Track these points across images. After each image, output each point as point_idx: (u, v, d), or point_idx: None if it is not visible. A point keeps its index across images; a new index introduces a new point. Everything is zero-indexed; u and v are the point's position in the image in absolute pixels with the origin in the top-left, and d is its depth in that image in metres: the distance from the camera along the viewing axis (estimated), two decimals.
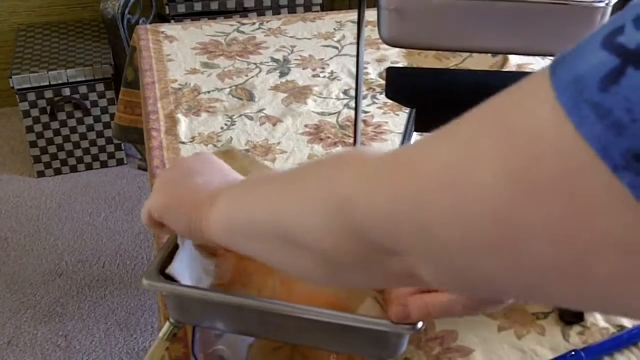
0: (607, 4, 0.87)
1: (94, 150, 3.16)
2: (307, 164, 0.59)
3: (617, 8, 0.87)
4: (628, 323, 1.00)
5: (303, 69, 1.78)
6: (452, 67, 1.75)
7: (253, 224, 0.61)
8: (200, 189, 0.71)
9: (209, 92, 1.66)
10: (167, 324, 0.81)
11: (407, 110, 1.10)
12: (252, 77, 1.74)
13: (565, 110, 0.35)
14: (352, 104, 1.59)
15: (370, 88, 1.67)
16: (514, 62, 1.75)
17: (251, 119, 1.55)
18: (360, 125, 1.11)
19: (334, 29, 2.01)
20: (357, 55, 1.02)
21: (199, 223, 0.68)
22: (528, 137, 0.37)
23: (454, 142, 0.43)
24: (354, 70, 1.74)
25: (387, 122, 1.53)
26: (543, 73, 0.38)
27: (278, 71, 1.76)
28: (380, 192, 0.46)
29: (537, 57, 1.76)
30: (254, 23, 2.05)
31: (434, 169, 0.43)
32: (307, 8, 3.16)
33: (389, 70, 1.12)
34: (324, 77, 1.73)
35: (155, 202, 0.74)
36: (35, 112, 3.00)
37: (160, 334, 0.80)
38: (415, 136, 1.10)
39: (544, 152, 0.36)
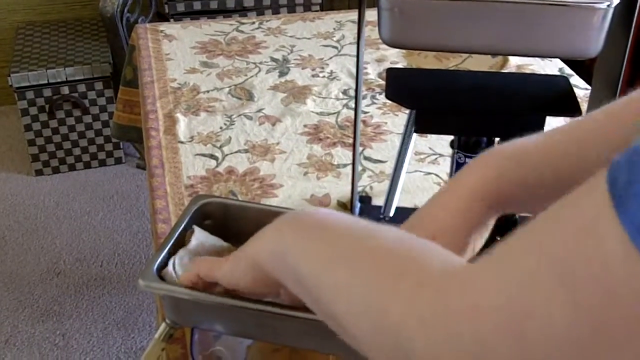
0: (608, 6, 0.86)
1: (92, 149, 3.15)
2: (368, 235, 0.56)
3: (619, 10, 0.87)
4: None
5: (302, 68, 1.77)
6: (452, 68, 1.75)
7: (301, 274, 0.59)
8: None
9: (208, 91, 1.66)
10: (163, 324, 0.81)
11: (407, 110, 1.10)
12: (252, 76, 1.73)
13: None
14: (352, 104, 1.59)
15: (370, 88, 1.67)
16: (514, 63, 1.74)
17: (250, 118, 1.55)
18: (360, 125, 1.11)
19: (334, 28, 2.00)
20: (358, 56, 1.02)
21: (252, 257, 0.67)
22: (597, 279, 0.36)
23: (514, 276, 0.41)
24: (353, 70, 1.73)
25: (386, 123, 1.53)
26: (604, 200, 0.37)
27: (277, 71, 1.76)
28: (439, 332, 0.45)
29: (537, 58, 1.75)
30: (253, 22, 2.05)
31: (494, 306, 0.41)
32: (307, 7, 3.16)
33: (389, 71, 1.11)
34: (324, 77, 1.73)
35: (223, 271, 0.72)
36: (33, 111, 3.00)
37: (157, 335, 0.80)
38: (415, 137, 1.10)
39: (618, 294, 0.36)
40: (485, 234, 0.76)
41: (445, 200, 0.75)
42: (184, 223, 0.89)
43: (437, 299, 0.46)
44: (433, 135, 1.45)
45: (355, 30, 1.03)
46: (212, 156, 1.41)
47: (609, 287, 0.36)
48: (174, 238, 0.85)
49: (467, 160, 1.06)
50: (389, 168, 1.35)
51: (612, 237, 0.36)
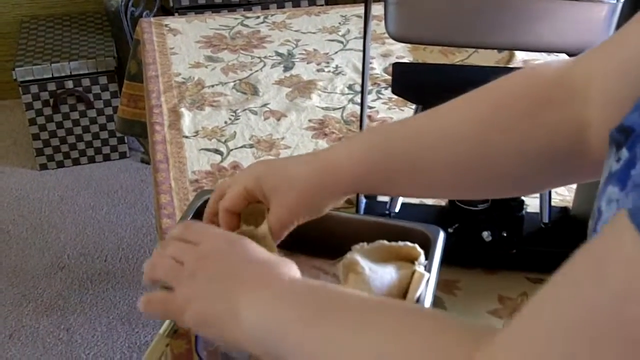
0: (617, 1, 0.85)
1: (96, 143, 3.15)
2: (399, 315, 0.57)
3: (627, 6, 0.86)
4: None
5: (307, 63, 1.77)
6: (457, 63, 1.74)
7: None
8: (220, 295, 0.66)
9: (212, 86, 1.65)
10: (168, 320, 0.81)
11: (413, 105, 1.09)
12: (257, 71, 1.73)
13: None
14: (357, 99, 1.58)
15: (376, 83, 1.66)
16: (520, 58, 1.73)
17: (255, 113, 1.54)
18: (366, 120, 1.10)
19: (339, 23, 2.00)
20: (364, 50, 1.01)
21: (229, 333, 0.65)
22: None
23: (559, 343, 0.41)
24: (358, 64, 1.73)
25: (392, 118, 1.52)
26: (635, 243, 0.37)
27: (282, 65, 1.75)
28: None
29: (543, 54, 1.74)
30: (258, 17, 2.04)
31: None
32: (312, 1, 3.15)
33: (395, 66, 1.11)
34: (329, 71, 1.72)
35: (184, 323, 0.69)
36: (38, 105, 2.99)
37: (161, 330, 0.79)
38: None
39: None
40: (321, 213, 0.80)
41: (302, 166, 0.78)
42: (189, 218, 0.88)
43: None
44: None
45: (361, 25, 1.03)
46: (216, 151, 1.41)
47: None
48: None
49: None
50: None
51: None
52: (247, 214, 0.82)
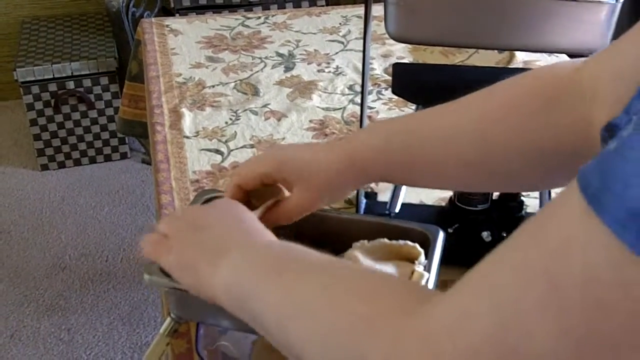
0: (616, 1, 0.86)
1: (97, 143, 3.15)
2: (339, 277, 0.58)
3: (626, 5, 0.87)
4: None
5: (308, 63, 1.77)
6: (458, 63, 1.74)
7: (261, 320, 0.60)
8: (209, 241, 0.69)
9: (213, 86, 1.66)
10: (168, 319, 0.81)
11: (413, 106, 1.09)
12: (257, 71, 1.73)
13: (632, 248, 0.35)
14: (358, 99, 1.58)
15: (376, 83, 1.66)
16: (521, 58, 1.74)
17: (256, 113, 1.55)
18: (366, 121, 1.10)
19: (340, 23, 2.00)
20: (364, 51, 1.01)
21: (204, 279, 0.67)
22: (583, 290, 0.37)
23: (498, 295, 0.42)
24: (359, 65, 1.73)
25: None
26: (580, 208, 0.37)
27: (283, 66, 1.76)
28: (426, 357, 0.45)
29: (544, 54, 1.75)
30: (259, 17, 2.04)
31: (481, 325, 0.42)
32: (313, 2, 3.15)
33: (396, 66, 1.11)
34: (329, 72, 1.73)
35: (167, 262, 0.72)
36: (39, 105, 3.00)
37: (161, 330, 0.80)
38: None
39: (605, 301, 0.36)
40: (342, 197, 0.84)
41: (324, 152, 0.80)
42: None
43: (421, 326, 0.46)
44: None
45: (361, 25, 1.03)
46: (217, 151, 1.41)
47: (595, 297, 0.36)
48: None
49: None
50: None
51: (595, 242, 0.36)
52: (256, 196, 0.83)
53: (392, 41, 0.99)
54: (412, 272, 0.81)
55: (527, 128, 0.69)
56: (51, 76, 2.96)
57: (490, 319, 0.41)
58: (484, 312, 0.42)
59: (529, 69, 1.65)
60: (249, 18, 2.04)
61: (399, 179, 0.87)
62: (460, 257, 1.07)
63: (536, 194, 1.15)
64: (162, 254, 0.72)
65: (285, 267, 0.62)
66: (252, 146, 1.43)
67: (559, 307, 0.37)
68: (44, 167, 3.13)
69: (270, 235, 0.71)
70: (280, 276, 0.61)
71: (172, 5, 3.03)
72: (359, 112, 1.09)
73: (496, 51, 1.75)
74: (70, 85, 3.00)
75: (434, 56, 1.78)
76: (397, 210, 1.11)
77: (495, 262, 0.44)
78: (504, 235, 1.05)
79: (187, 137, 1.45)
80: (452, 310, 0.44)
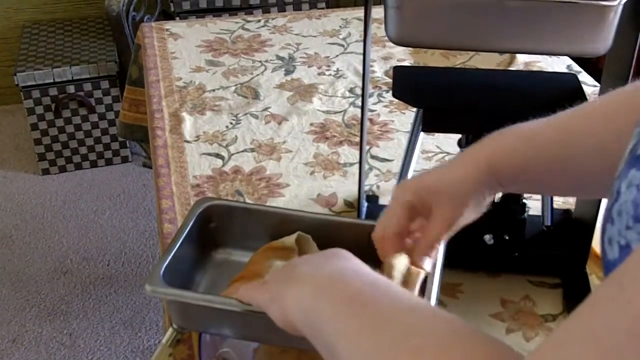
0: (618, 3, 0.85)
1: (98, 148, 3.15)
2: (426, 329, 0.54)
3: (628, 7, 0.86)
4: None
5: (308, 67, 1.76)
6: (459, 65, 1.74)
7: (337, 355, 0.58)
8: (295, 278, 0.68)
9: (213, 90, 1.65)
10: (170, 330, 0.81)
11: (414, 108, 1.09)
12: (258, 75, 1.73)
13: None
14: (358, 102, 1.58)
15: (377, 86, 1.66)
16: (522, 60, 1.73)
17: (256, 117, 1.54)
18: (367, 124, 1.10)
19: (340, 26, 2.00)
20: (364, 53, 1.01)
21: (284, 307, 0.66)
22: None
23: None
24: (359, 68, 1.73)
25: (393, 121, 1.52)
26: None
27: (283, 69, 1.75)
28: None
29: (545, 56, 1.74)
30: (259, 20, 2.04)
31: None
32: (313, 5, 3.15)
33: (396, 69, 1.10)
34: (330, 75, 1.72)
35: (262, 300, 0.71)
36: (40, 110, 2.99)
37: (164, 340, 0.79)
38: (422, 136, 1.09)
39: None
40: (481, 209, 0.80)
41: (456, 166, 0.78)
42: (189, 225, 0.88)
43: None
44: (440, 134, 1.44)
45: (362, 28, 1.02)
46: (218, 155, 1.40)
47: None
48: (180, 241, 0.85)
49: None
50: (396, 167, 1.34)
51: None
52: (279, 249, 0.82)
53: (392, 44, 0.98)
54: (409, 270, 0.80)
55: None
56: (52, 80, 2.96)
57: None
58: None
59: (530, 70, 1.65)
60: (249, 21, 2.04)
61: (533, 187, 0.85)
62: (463, 261, 1.07)
63: (538, 196, 1.15)
64: (258, 295, 0.71)
65: (364, 306, 0.59)
66: (252, 150, 1.42)
67: None
68: (45, 172, 3.13)
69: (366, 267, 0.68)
70: (356, 315, 0.58)
71: (172, 9, 3.03)
72: (359, 115, 1.08)
73: (497, 53, 1.74)
74: (71, 89, 2.99)
75: (435, 58, 1.77)
76: None
77: (574, 331, 0.41)
78: (506, 238, 1.05)
79: (188, 142, 1.45)
80: None
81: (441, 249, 0.85)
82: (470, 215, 0.80)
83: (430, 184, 0.79)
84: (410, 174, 1.11)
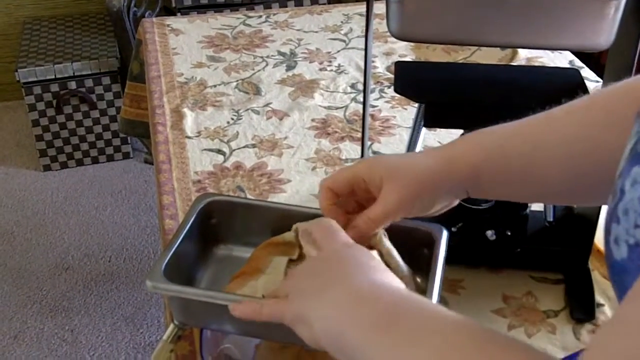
0: None
1: (100, 144, 3.15)
2: (455, 345, 0.53)
3: (631, 3, 0.86)
4: None
5: (310, 62, 1.76)
6: (460, 61, 1.74)
7: None
8: (315, 291, 0.66)
9: (215, 86, 1.65)
10: (172, 326, 0.80)
11: (416, 104, 1.08)
12: (259, 70, 1.72)
13: None
14: (360, 98, 1.58)
15: (378, 82, 1.66)
16: (524, 55, 1.73)
17: (258, 113, 1.54)
18: (368, 119, 1.10)
19: (342, 21, 1.99)
20: (366, 49, 1.01)
21: (310, 323, 0.64)
22: None
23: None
24: (361, 63, 1.72)
25: (395, 117, 1.52)
26: None
27: (285, 65, 1.75)
28: None
29: (547, 51, 1.74)
30: (260, 16, 2.04)
31: None
32: (314, 1, 3.14)
33: (398, 64, 1.10)
34: (331, 70, 1.72)
35: (288, 317, 0.68)
36: (41, 106, 2.99)
37: (165, 337, 0.79)
38: (424, 131, 1.09)
39: None
40: (429, 211, 0.78)
41: (423, 156, 0.78)
42: (190, 221, 0.88)
43: None
44: (442, 129, 1.43)
45: (363, 23, 1.02)
46: (219, 151, 1.40)
47: None
48: (181, 237, 0.85)
49: None
50: None
51: None
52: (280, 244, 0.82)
53: (394, 39, 0.98)
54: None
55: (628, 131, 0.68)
56: (53, 76, 2.96)
57: None
58: None
59: (532, 65, 1.65)
60: (250, 17, 2.03)
61: (496, 191, 0.82)
62: (465, 256, 1.07)
63: None
64: (283, 311, 0.68)
65: (395, 323, 0.58)
66: (254, 146, 1.42)
67: None
68: (47, 168, 3.13)
69: (387, 277, 0.67)
70: (389, 332, 0.57)
71: (173, 4, 3.03)
72: (361, 111, 1.08)
73: (499, 48, 1.74)
74: (72, 85, 2.99)
75: (437, 54, 1.77)
76: None
77: (605, 347, 0.41)
78: (508, 233, 1.04)
79: (189, 137, 1.45)
80: None
81: (443, 243, 0.85)
82: (414, 211, 0.78)
83: (387, 162, 0.77)
84: None
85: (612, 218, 0.47)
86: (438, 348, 0.53)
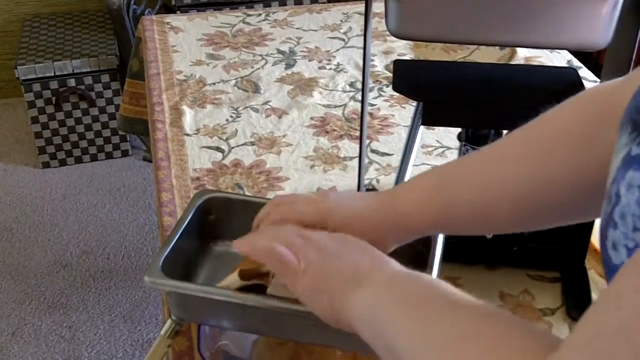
0: None
1: (99, 141, 3.15)
2: (479, 314, 0.57)
3: (628, 3, 0.86)
4: None
5: (309, 60, 1.76)
6: (459, 60, 1.74)
7: (394, 351, 0.59)
8: (343, 270, 0.68)
9: (214, 83, 1.65)
10: (169, 321, 0.81)
11: (414, 103, 1.09)
12: (258, 69, 1.73)
13: None
14: (359, 96, 1.58)
15: (377, 80, 1.66)
16: (522, 54, 1.73)
17: (257, 111, 1.54)
18: (367, 118, 1.10)
19: (341, 20, 1.99)
20: (365, 48, 1.01)
21: (341, 307, 0.66)
22: None
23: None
24: (360, 62, 1.73)
25: (393, 115, 1.52)
26: None
27: (284, 63, 1.75)
28: None
29: (545, 51, 1.74)
30: (260, 14, 2.04)
31: None
32: None
33: (397, 63, 1.10)
34: (330, 69, 1.72)
35: (299, 285, 0.69)
36: (40, 103, 2.99)
37: (162, 332, 0.79)
38: (422, 130, 1.09)
39: None
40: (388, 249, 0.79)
41: (374, 206, 0.78)
42: (189, 217, 0.88)
43: None
44: (440, 128, 1.44)
45: (362, 22, 1.02)
46: (218, 149, 1.41)
47: None
48: (179, 233, 0.85)
49: None
50: (395, 161, 1.34)
51: None
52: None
53: (393, 38, 0.98)
54: None
55: (574, 161, 0.69)
56: (52, 74, 2.96)
57: None
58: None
59: (531, 64, 1.65)
60: (249, 15, 2.03)
61: (447, 231, 0.84)
62: (462, 254, 1.07)
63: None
64: (295, 276, 0.69)
65: (422, 301, 0.61)
66: (252, 143, 1.43)
67: None
68: (45, 165, 3.13)
69: (398, 265, 0.69)
70: (417, 310, 0.60)
71: (173, 2, 3.03)
72: (359, 109, 1.08)
73: (497, 47, 1.74)
74: (72, 82, 2.99)
75: (435, 53, 1.77)
76: None
77: (598, 321, 0.42)
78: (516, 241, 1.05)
79: (188, 135, 1.45)
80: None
81: (440, 241, 0.86)
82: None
83: (340, 216, 0.78)
84: (410, 168, 1.11)
85: (608, 223, 0.47)
86: (458, 325, 0.56)
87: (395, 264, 0.69)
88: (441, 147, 1.41)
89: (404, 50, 1.81)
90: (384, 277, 0.66)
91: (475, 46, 1.76)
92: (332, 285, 0.67)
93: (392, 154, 1.39)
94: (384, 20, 0.98)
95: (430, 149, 1.40)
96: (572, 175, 0.69)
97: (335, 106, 1.56)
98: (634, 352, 0.37)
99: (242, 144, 1.42)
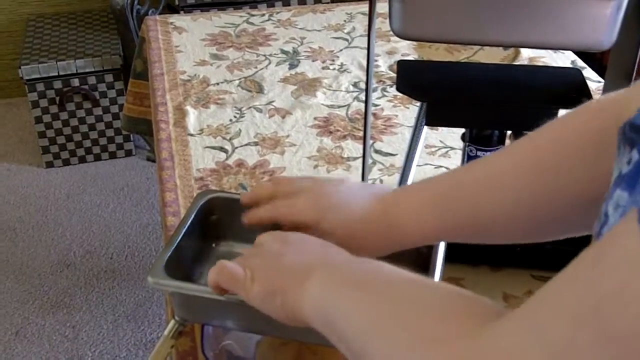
0: None
1: (102, 141, 3.15)
2: (419, 287, 0.59)
3: (633, 3, 0.86)
4: None
5: (313, 61, 1.76)
6: (463, 60, 1.74)
7: (345, 335, 0.59)
8: (293, 267, 0.68)
9: (218, 84, 1.65)
10: (172, 321, 0.81)
11: (418, 103, 1.09)
12: (262, 69, 1.72)
13: None
14: (362, 96, 1.58)
15: (381, 81, 1.66)
16: (526, 55, 1.73)
17: (260, 111, 1.54)
18: (370, 118, 1.10)
19: (344, 20, 1.99)
20: (368, 48, 1.01)
21: (294, 303, 0.66)
22: (636, 337, 0.36)
23: (545, 339, 0.41)
24: (364, 62, 1.72)
25: (397, 116, 1.52)
26: (637, 246, 0.36)
27: (287, 63, 1.75)
28: None
29: (549, 51, 1.74)
30: (263, 14, 2.04)
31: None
32: None
33: (400, 63, 1.10)
34: (334, 69, 1.72)
35: (252, 294, 0.69)
36: (44, 103, 3.00)
37: (166, 332, 0.79)
38: (426, 130, 1.09)
39: None
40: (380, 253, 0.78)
41: (377, 229, 0.78)
42: (191, 218, 0.88)
43: (479, 352, 0.46)
44: (444, 128, 1.44)
45: (366, 22, 1.02)
46: (221, 149, 1.41)
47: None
48: (182, 233, 0.85)
49: (478, 153, 1.06)
50: (399, 161, 1.34)
51: None
52: None
53: (397, 38, 0.98)
54: None
55: (582, 178, 0.68)
56: (56, 74, 2.97)
57: (541, 355, 0.41)
58: (534, 347, 0.41)
59: (535, 65, 1.65)
60: (253, 15, 2.03)
61: (446, 241, 0.85)
62: (465, 255, 1.07)
63: None
64: (245, 287, 0.69)
65: (364, 283, 0.62)
66: (256, 144, 1.43)
67: (610, 355, 0.37)
68: (49, 165, 3.14)
69: (347, 253, 0.70)
70: (358, 291, 0.61)
71: (177, 2, 3.03)
72: (363, 110, 1.08)
73: (501, 48, 1.74)
74: (75, 82, 3.00)
75: (439, 53, 1.77)
76: None
77: (549, 296, 0.43)
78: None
79: (192, 135, 1.45)
80: (507, 340, 0.44)
81: (442, 243, 0.85)
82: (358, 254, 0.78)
83: (336, 220, 0.77)
84: (413, 169, 1.11)
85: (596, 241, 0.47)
86: (397, 301, 0.58)
87: (346, 254, 0.69)
88: (445, 147, 1.41)
89: (407, 50, 1.80)
90: (331, 266, 0.67)
91: (479, 46, 1.76)
92: (282, 284, 0.67)
93: (396, 154, 1.39)
94: (387, 20, 0.98)
95: (433, 149, 1.40)
96: (572, 192, 0.69)
97: (339, 106, 1.56)
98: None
99: (246, 144, 1.42)
